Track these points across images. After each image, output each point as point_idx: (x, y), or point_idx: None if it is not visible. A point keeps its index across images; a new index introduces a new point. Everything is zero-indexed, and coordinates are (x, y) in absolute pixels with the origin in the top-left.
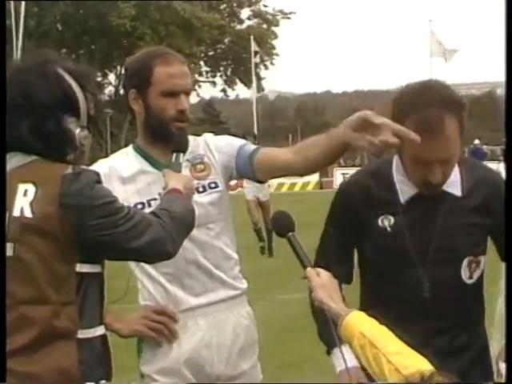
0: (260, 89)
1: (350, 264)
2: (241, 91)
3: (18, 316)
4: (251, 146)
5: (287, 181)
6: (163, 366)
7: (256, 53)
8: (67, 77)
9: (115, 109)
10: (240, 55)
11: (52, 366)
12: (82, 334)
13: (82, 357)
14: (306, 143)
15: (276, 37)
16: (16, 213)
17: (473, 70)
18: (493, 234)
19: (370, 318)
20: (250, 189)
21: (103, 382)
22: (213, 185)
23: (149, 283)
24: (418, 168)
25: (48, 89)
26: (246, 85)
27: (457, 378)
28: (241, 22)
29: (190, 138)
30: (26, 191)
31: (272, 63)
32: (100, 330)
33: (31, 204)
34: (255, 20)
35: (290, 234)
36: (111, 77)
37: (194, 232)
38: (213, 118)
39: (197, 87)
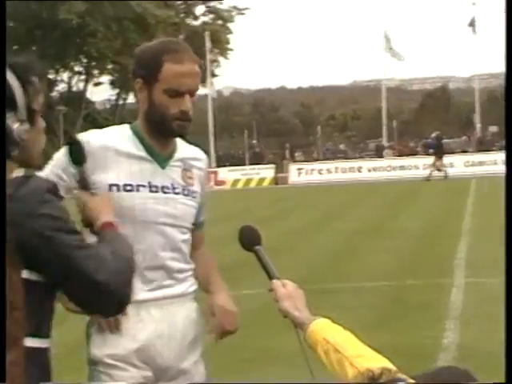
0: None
1: None
2: None
3: None
4: (204, 213)
5: (243, 177)
6: (115, 352)
7: (211, 50)
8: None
9: (69, 106)
10: (195, 52)
11: None
12: (29, 342)
13: (26, 366)
14: (209, 265)
15: (230, 32)
16: None
17: (425, 65)
18: None
19: (333, 325)
20: None
21: None
22: (194, 194)
23: None
24: None
25: None
26: (200, 82)
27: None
28: (196, 18)
29: (184, 143)
30: None
31: (226, 57)
32: (46, 343)
33: None
34: (210, 16)
35: (257, 247)
36: (64, 73)
37: (170, 230)
38: None
39: None
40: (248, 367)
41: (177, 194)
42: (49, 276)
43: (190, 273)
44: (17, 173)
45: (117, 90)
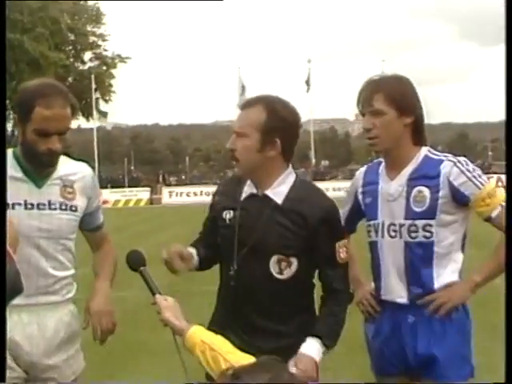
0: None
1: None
2: (82, 122)
3: None
4: (101, 217)
5: (123, 198)
6: None
7: (96, 90)
8: None
9: None
10: (82, 92)
11: None
12: None
13: None
14: (103, 263)
15: (113, 77)
16: None
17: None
18: (311, 247)
19: (208, 331)
20: None
21: None
22: (74, 208)
23: None
24: None
25: None
26: (86, 117)
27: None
28: (83, 63)
29: (68, 161)
30: None
31: (110, 99)
32: None
33: None
34: (96, 62)
35: (142, 268)
36: None
37: (46, 242)
38: None
39: None
40: (125, 359)
41: (53, 209)
42: None
43: (69, 280)
44: None
45: (12, 122)
